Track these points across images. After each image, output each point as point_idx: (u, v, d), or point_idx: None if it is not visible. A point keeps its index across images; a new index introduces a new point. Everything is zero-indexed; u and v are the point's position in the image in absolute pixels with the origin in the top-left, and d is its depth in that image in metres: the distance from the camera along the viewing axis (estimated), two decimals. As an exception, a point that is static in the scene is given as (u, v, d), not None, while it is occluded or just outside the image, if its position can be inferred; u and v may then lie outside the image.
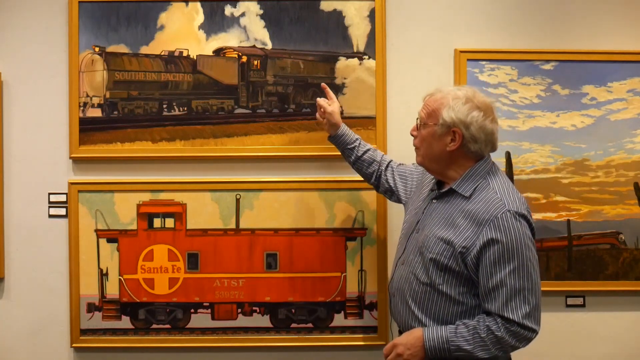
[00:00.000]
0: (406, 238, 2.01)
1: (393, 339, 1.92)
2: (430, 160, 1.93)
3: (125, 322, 2.59)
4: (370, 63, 2.59)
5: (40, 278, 2.61)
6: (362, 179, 2.42)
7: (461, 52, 2.60)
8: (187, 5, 2.59)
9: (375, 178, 2.34)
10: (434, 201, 1.95)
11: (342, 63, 2.60)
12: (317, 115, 2.40)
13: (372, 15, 2.59)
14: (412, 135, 1.99)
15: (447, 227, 1.84)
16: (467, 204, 1.84)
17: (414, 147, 2.01)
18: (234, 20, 2.60)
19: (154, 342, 2.60)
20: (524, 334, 1.78)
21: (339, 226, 2.60)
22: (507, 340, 1.77)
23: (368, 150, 2.36)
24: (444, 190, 1.93)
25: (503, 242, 1.76)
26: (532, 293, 1.78)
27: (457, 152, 1.88)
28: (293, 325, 2.61)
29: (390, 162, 2.35)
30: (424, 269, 1.87)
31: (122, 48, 2.58)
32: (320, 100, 2.37)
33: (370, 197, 2.59)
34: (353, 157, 2.35)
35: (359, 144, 2.35)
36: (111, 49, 2.58)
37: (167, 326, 2.60)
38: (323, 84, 2.44)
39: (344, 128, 2.35)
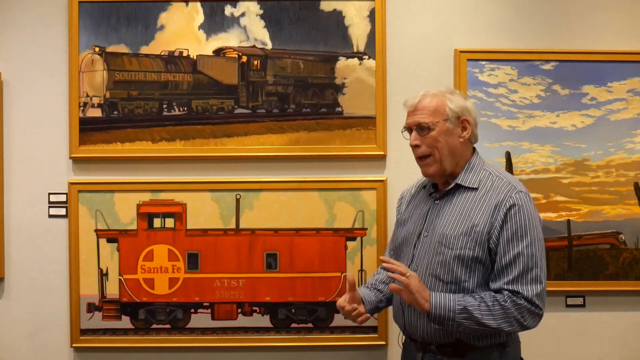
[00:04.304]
0: (410, 247, 1.96)
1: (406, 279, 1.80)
2: (447, 160, 1.90)
3: (125, 322, 2.59)
4: (370, 63, 2.59)
5: (40, 278, 2.61)
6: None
7: (461, 52, 2.60)
8: (187, 5, 2.59)
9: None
10: (436, 202, 1.95)
11: (342, 63, 2.60)
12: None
13: (372, 15, 2.59)
14: (415, 145, 1.92)
15: (464, 221, 1.85)
16: (477, 194, 1.87)
17: (420, 160, 1.93)
18: (234, 20, 2.60)
19: (154, 342, 2.60)
20: (530, 309, 1.77)
21: (339, 226, 2.60)
22: (512, 312, 1.76)
23: (378, 280, 2.15)
24: (449, 187, 1.92)
25: (519, 217, 1.80)
26: (543, 273, 1.80)
27: (465, 142, 1.92)
28: (293, 325, 2.61)
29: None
30: (446, 268, 1.85)
31: (122, 48, 2.58)
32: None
33: (370, 197, 2.59)
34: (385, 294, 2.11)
35: (379, 290, 2.13)
36: (111, 49, 2.58)
37: (167, 326, 2.60)
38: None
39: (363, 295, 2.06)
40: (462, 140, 1.90)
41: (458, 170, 1.91)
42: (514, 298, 1.76)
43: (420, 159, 1.93)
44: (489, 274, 1.84)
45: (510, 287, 1.77)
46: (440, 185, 1.97)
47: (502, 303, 1.77)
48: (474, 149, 1.97)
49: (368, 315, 1.99)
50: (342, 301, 1.96)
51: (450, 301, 1.78)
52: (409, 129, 1.95)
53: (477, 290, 1.83)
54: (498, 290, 1.80)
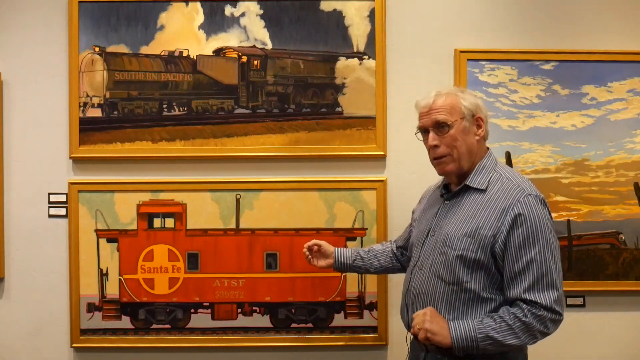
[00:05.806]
0: (419, 246, 1.98)
1: (416, 321, 1.85)
2: (464, 158, 1.88)
3: (125, 322, 2.59)
4: (370, 63, 2.59)
5: (40, 278, 2.61)
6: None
7: (461, 52, 2.60)
8: (187, 5, 2.59)
9: (396, 258, 2.31)
10: (446, 202, 1.94)
11: (342, 63, 2.60)
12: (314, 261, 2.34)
13: (372, 15, 2.59)
14: (434, 145, 1.88)
15: (469, 222, 1.83)
16: (485, 196, 1.84)
17: (435, 160, 1.91)
18: (234, 20, 2.60)
19: (154, 342, 2.60)
20: (552, 318, 1.74)
21: (339, 226, 2.60)
22: (534, 326, 1.73)
23: (372, 248, 2.37)
24: (457, 188, 1.92)
25: (528, 224, 1.75)
26: (558, 277, 1.77)
27: (480, 140, 1.91)
28: (293, 325, 2.61)
29: (396, 240, 2.35)
30: (448, 268, 1.84)
31: (122, 48, 2.58)
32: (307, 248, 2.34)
33: (370, 197, 2.59)
34: (366, 264, 2.32)
35: (361, 252, 2.34)
36: (111, 49, 2.58)
37: (167, 326, 2.60)
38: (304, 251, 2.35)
39: (337, 252, 2.32)
40: (477, 139, 1.88)
41: (472, 170, 1.90)
42: (534, 310, 1.73)
43: (435, 158, 1.91)
44: (495, 279, 1.81)
45: (526, 296, 1.74)
46: (453, 185, 1.97)
47: (523, 319, 1.73)
48: (488, 148, 1.94)
49: (321, 264, 2.31)
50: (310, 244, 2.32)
51: (471, 331, 1.75)
52: (423, 129, 1.92)
53: (482, 294, 1.81)
54: (514, 302, 1.77)
